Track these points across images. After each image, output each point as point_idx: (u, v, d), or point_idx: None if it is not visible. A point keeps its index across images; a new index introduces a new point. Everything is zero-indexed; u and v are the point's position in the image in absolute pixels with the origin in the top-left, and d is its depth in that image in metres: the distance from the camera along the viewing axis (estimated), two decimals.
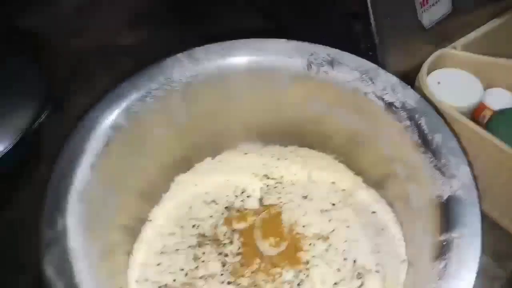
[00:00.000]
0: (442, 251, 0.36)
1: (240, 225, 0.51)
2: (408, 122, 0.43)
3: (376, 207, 0.52)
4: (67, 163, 0.42)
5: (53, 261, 0.37)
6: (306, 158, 0.57)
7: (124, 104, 0.46)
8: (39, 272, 0.54)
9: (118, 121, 0.46)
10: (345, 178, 0.55)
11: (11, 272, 0.54)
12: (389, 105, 0.45)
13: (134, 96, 0.47)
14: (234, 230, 0.51)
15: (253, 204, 0.53)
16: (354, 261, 0.47)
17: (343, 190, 0.54)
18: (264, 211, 0.51)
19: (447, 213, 0.38)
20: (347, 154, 0.56)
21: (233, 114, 0.56)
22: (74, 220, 0.40)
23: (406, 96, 0.44)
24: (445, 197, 0.39)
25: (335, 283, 0.46)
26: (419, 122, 0.43)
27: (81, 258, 0.38)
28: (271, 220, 0.49)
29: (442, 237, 0.37)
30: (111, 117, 0.45)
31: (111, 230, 0.47)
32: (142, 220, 0.54)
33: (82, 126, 0.45)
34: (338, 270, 0.47)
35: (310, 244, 0.49)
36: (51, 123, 0.65)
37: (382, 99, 0.45)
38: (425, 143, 0.43)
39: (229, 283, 0.47)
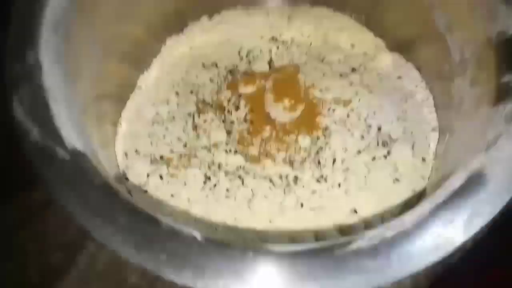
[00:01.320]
0: (506, 93, 0.30)
1: (248, 89, 0.44)
2: None
3: (402, 71, 0.45)
4: None
5: (24, 100, 0.29)
6: (321, 18, 0.49)
7: None
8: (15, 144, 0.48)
9: None
10: (366, 41, 0.47)
11: None
12: None
13: None
14: (240, 95, 0.44)
15: (262, 66, 0.45)
16: (379, 128, 0.41)
17: (364, 53, 0.47)
18: (275, 73, 0.43)
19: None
20: (369, 13, 0.48)
21: None
22: (49, 55, 0.31)
23: None
24: (510, 32, 0.31)
25: (358, 151, 0.40)
26: None
27: (61, 100, 0.30)
28: (285, 80, 0.42)
29: (506, 79, 0.30)
30: None
31: (96, 96, 0.39)
32: (129, 87, 0.46)
33: None
34: (362, 137, 0.41)
35: (329, 109, 0.42)
36: None
37: None
38: None
39: (236, 152, 0.40)
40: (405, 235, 0.26)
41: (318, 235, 0.37)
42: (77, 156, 0.28)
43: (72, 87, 0.33)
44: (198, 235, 0.26)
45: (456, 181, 0.27)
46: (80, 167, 0.27)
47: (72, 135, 0.28)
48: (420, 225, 0.26)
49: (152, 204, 0.39)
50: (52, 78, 0.30)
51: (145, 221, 0.26)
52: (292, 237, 0.37)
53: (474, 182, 0.27)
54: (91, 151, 0.29)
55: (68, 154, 0.27)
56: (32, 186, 0.45)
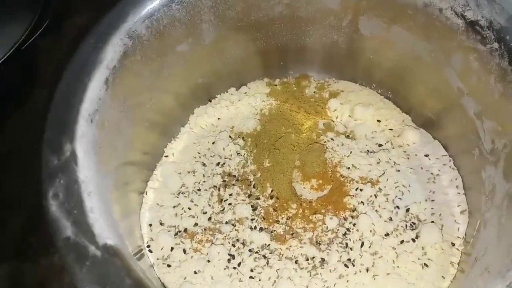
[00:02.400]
0: None
1: (274, 164, 0.43)
2: (495, 45, 0.35)
3: (429, 149, 0.45)
4: (77, 76, 0.34)
5: (59, 195, 0.29)
6: (347, 93, 0.49)
7: (144, 10, 0.37)
8: (39, 208, 0.48)
9: (138, 29, 0.37)
10: (392, 116, 0.48)
11: None
12: (471, 24, 0.36)
13: (157, 0, 0.38)
14: (266, 170, 0.43)
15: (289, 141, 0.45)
16: (407, 210, 0.41)
17: (390, 129, 0.47)
18: (303, 149, 0.43)
19: None
20: (396, 88, 0.48)
21: (266, 31, 0.47)
22: (84, 145, 0.32)
23: (493, 12, 0.36)
24: None
25: (386, 234, 0.39)
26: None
27: (93, 193, 0.31)
28: (313, 158, 0.42)
29: None
30: (129, 23, 0.37)
31: (124, 164, 0.40)
32: (156, 156, 0.47)
33: (94, 33, 0.36)
34: (390, 219, 0.40)
35: (357, 189, 0.41)
36: (47, 45, 0.57)
37: (463, 17, 0.36)
38: None
39: (261, 229, 0.40)
40: None
41: None
42: (109, 253, 0.28)
43: (102, 169, 0.34)
44: None
45: None
46: (111, 264, 0.27)
47: (104, 230, 0.29)
48: None
49: (175, 280, 0.38)
50: (86, 170, 0.31)
51: None
52: None
53: None
54: (122, 241, 0.29)
55: (100, 251, 0.27)
56: (53, 248, 0.45)
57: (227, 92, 0.51)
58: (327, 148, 0.44)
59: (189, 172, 0.45)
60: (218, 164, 0.45)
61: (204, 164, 0.45)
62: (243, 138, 0.46)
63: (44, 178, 0.30)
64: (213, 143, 0.47)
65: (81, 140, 0.32)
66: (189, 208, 0.43)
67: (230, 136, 0.47)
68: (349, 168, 0.43)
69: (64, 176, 0.30)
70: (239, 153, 0.45)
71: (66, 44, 0.57)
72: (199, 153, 0.46)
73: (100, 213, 0.30)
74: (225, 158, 0.45)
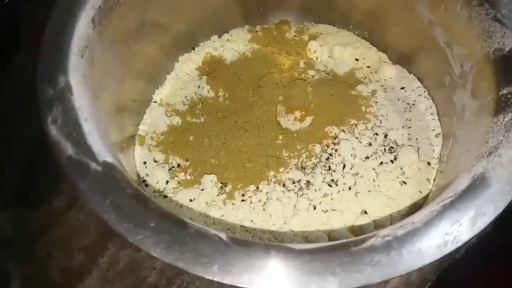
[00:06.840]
0: (505, 104, 0.32)
1: (259, 102, 0.46)
2: None
3: (405, 82, 0.47)
4: (64, 17, 0.35)
5: (58, 120, 0.31)
6: (326, 35, 0.52)
7: None
8: (33, 162, 0.50)
9: None
10: (369, 55, 0.50)
11: None
12: None
13: None
14: (252, 108, 0.46)
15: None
16: (385, 136, 0.43)
17: (368, 67, 0.49)
18: (286, 85, 0.46)
19: (510, 65, 0.33)
20: (372, 29, 0.51)
21: None
22: (77, 77, 0.34)
23: None
24: (507, 49, 0.34)
25: (367, 157, 0.42)
26: None
27: (90, 119, 0.32)
28: (295, 92, 0.44)
29: (504, 91, 0.33)
30: None
31: (116, 107, 0.42)
32: (145, 102, 0.49)
33: None
34: (369, 144, 0.43)
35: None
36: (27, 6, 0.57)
37: None
38: None
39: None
40: (415, 233, 0.28)
41: (330, 236, 0.39)
42: (109, 168, 0.30)
43: (96, 104, 0.36)
44: (223, 235, 0.28)
45: (461, 184, 0.29)
46: (112, 178, 0.29)
47: (102, 150, 0.31)
48: (429, 224, 0.28)
49: (173, 208, 0.41)
50: (81, 99, 0.32)
51: (174, 224, 0.28)
52: (306, 237, 0.39)
53: (478, 184, 0.29)
54: (120, 163, 0.31)
55: (100, 167, 0.30)
56: (53, 193, 0.47)
57: (209, 39, 0.52)
58: (309, 83, 0.46)
59: (176, 115, 0.47)
60: (202, 104, 0.47)
61: (191, 106, 0.47)
62: None
63: (42, 106, 0.32)
64: (199, 86, 0.48)
65: (74, 72, 0.33)
66: (180, 146, 0.45)
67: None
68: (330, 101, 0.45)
69: (61, 104, 0.32)
70: (225, 95, 0.47)
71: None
72: (186, 96, 0.48)
73: (97, 136, 0.32)
74: (211, 99, 0.47)
